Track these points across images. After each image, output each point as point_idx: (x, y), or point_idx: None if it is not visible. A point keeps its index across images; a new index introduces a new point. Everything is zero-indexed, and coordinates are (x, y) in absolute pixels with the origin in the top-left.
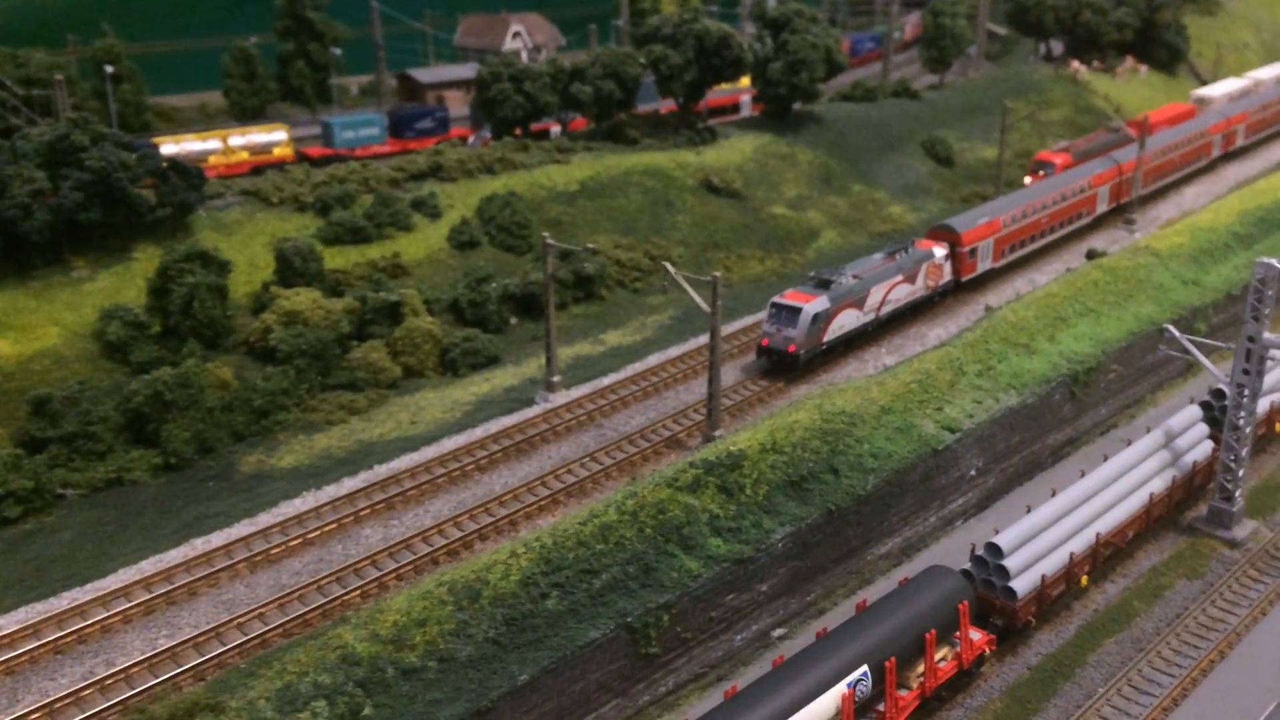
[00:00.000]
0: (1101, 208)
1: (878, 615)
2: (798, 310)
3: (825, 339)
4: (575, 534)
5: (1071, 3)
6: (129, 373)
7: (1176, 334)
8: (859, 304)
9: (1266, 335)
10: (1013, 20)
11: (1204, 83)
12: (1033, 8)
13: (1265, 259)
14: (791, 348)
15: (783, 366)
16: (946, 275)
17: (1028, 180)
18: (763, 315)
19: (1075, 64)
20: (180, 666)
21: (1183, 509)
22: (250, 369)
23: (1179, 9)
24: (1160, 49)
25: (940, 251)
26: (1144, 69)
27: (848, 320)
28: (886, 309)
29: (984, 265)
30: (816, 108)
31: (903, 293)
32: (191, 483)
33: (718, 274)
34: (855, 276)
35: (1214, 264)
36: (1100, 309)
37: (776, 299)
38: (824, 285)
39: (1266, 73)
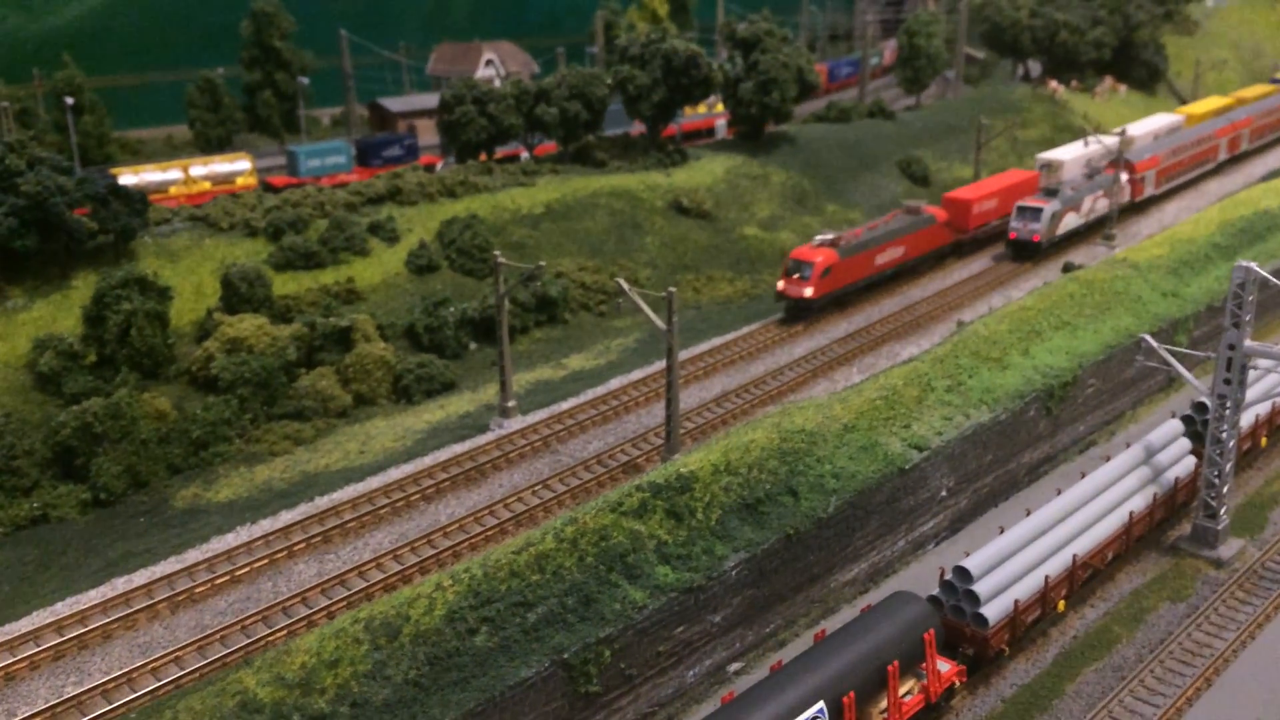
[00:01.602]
0: (1222, 156)
1: (836, 646)
2: (1039, 210)
3: (1057, 233)
4: (508, 564)
5: (1048, 23)
6: (61, 405)
7: (1154, 344)
8: (1076, 209)
9: (1248, 343)
10: (989, 41)
11: (1183, 101)
12: (1009, 28)
13: (1244, 262)
14: (1036, 237)
15: (1026, 252)
16: (1126, 195)
17: (780, 285)
18: (723, 339)
19: (1053, 84)
20: (85, 716)
21: (1165, 528)
22: (192, 399)
23: (1157, 28)
24: (1139, 68)
25: (1124, 176)
26: (1123, 88)
27: (1070, 220)
28: (1092, 215)
29: (1148, 190)
30: (790, 128)
31: (1101, 205)
32: (121, 519)
33: (673, 290)
34: (1072, 189)
35: (1194, 275)
36: (1076, 322)
37: (1021, 203)
38: (1052, 194)
39: (1141, 128)
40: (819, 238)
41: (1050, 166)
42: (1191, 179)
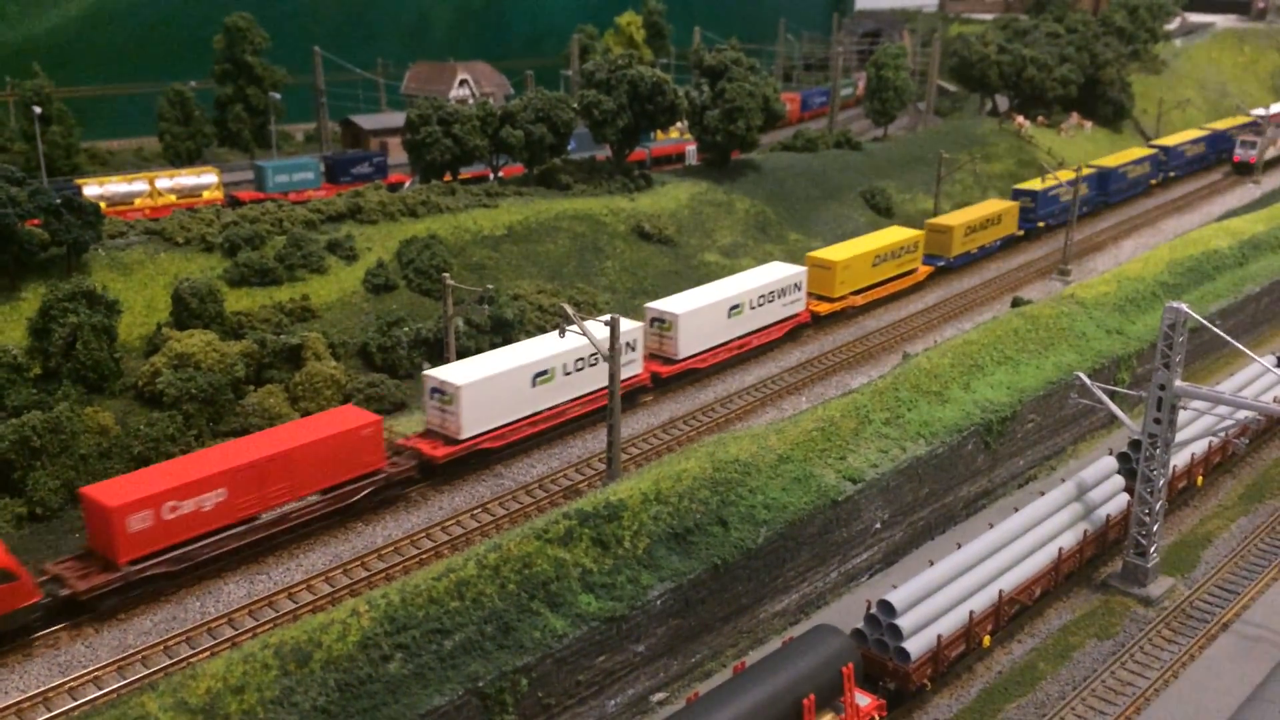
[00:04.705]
0: None
1: (753, 679)
2: (1255, 143)
3: (1265, 158)
4: (427, 590)
5: (1016, 59)
6: (2, 417)
7: (1087, 381)
8: (1274, 143)
9: (1178, 383)
10: (958, 76)
11: (1148, 139)
12: (977, 63)
13: (1175, 304)
14: (1253, 159)
15: (1244, 171)
16: (1278, 152)
17: None
18: None
19: (1019, 119)
20: None
21: (1097, 565)
22: (137, 414)
23: (1123, 67)
24: (1105, 105)
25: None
26: (1089, 125)
27: (1271, 151)
28: (1268, 157)
29: None
30: (756, 156)
31: (1271, 152)
32: (56, 534)
33: (617, 315)
34: (1272, 131)
35: (1140, 313)
36: (1019, 357)
37: (1242, 138)
38: (1261, 133)
39: (705, 297)
40: None
41: (445, 393)
42: None
